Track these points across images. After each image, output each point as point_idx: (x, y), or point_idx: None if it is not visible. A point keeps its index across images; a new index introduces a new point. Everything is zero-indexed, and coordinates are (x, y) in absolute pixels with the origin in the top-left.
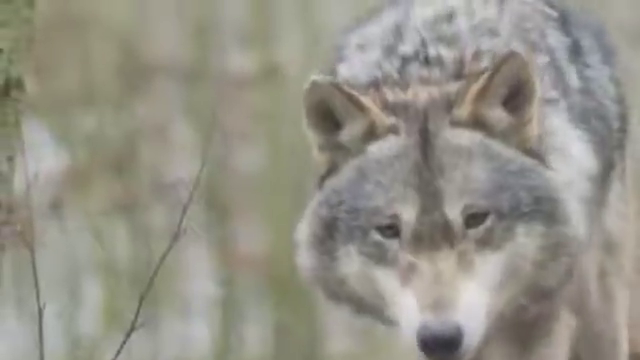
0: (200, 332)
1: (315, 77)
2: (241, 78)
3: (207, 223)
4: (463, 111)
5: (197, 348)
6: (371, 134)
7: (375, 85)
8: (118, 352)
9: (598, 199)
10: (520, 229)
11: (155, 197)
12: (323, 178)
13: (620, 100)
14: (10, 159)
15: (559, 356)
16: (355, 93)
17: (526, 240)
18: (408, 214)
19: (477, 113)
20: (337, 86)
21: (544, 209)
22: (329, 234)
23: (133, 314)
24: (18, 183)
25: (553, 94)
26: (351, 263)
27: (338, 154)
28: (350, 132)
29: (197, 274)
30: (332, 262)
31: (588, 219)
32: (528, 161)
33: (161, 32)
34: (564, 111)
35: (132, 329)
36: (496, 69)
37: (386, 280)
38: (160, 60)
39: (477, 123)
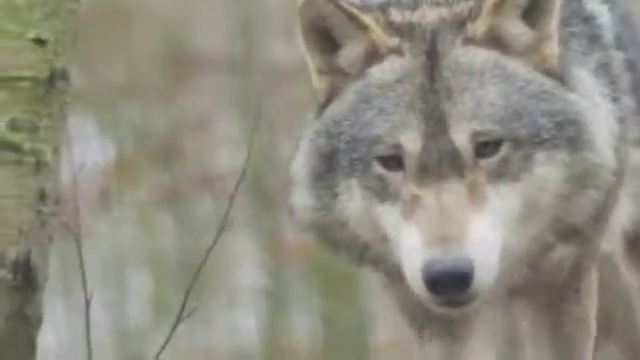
0: (247, 322)
1: None
2: (287, 69)
3: (253, 214)
4: (479, 26)
5: (244, 338)
6: (372, 56)
7: (383, 7)
8: (165, 343)
9: (628, 139)
10: (539, 158)
11: (201, 188)
12: (322, 106)
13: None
14: (56, 151)
15: (591, 311)
16: (355, 10)
17: (547, 170)
18: (411, 142)
19: (494, 27)
20: (335, 2)
21: (567, 135)
22: (328, 167)
23: (180, 305)
24: (64, 175)
25: (579, 50)
26: (353, 200)
27: (338, 78)
28: (350, 54)
29: (244, 265)
30: (332, 200)
31: (617, 153)
32: (549, 82)
33: (206, 23)
34: (592, 73)
35: (179, 320)
36: None
37: (389, 216)
38: (205, 51)
39: (493, 40)
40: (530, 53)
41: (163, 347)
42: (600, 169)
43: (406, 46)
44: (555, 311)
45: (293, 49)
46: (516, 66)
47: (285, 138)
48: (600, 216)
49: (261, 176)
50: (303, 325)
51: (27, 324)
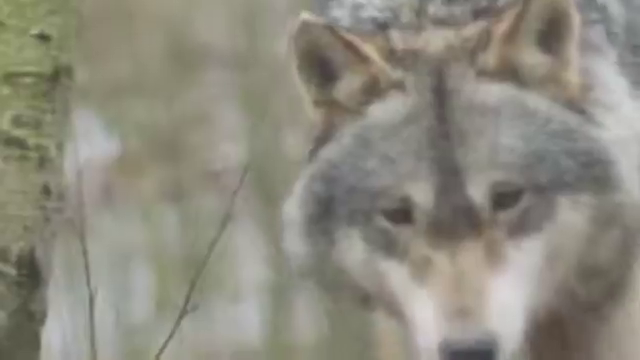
0: (251, 317)
1: (306, 16)
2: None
3: (257, 208)
4: (490, 56)
5: (248, 333)
6: (372, 91)
7: (383, 28)
8: (169, 337)
9: None
10: (563, 203)
11: (205, 183)
12: (318, 143)
13: None
14: (60, 146)
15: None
16: (354, 39)
17: (571, 215)
18: (422, 195)
19: (508, 57)
20: (332, 29)
21: (592, 175)
22: (326, 213)
23: (183, 300)
24: (68, 170)
25: (597, 40)
26: (353, 249)
27: (335, 112)
28: (347, 87)
29: (247, 259)
30: (329, 246)
31: None
32: (571, 118)
33: (210, 18)
34: (612, 63)
35: (182, 314)
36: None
37: (396, 275)
38: (209, 46)
39: (508, 71)
40: (549, 83)
41: (166, 342)
42: (627, 208)
43: (410, 80)
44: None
45: None
46: (535, 101)
47: (289, 132)
48: (629, 252)
49: (265, 170)
50: (307, 320)
51: (31, 319)
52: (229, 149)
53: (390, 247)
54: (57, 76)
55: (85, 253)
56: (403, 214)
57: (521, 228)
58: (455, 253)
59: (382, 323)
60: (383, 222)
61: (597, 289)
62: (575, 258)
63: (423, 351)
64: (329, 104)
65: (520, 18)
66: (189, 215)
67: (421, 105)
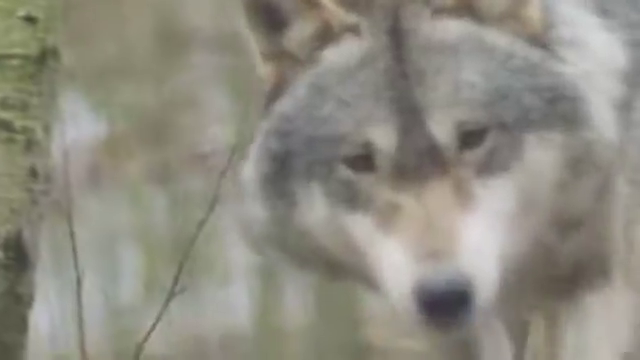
0: (240, 299)
1: None
2: None
3: None
4: None
5: (237, 315)
6: (326, 36)
7: None
8: (157, 319)
9: (631, 103)
10: (530, 141)
11: (193, 165)
12: (270, 99)
13: None
14: (46, 128)
15: (619, 325)
16: None
17: (539, 154)
18: (384, 138)
19: None
20: None
21: (559, 113)
22: (283, 173)
23: (172, 282)
24: (55, 152)
25: None
26: (314, 208)
27: (286, 64)
28: (299, 34)
29: (236, 242)
30: (289, 209)
31: (618, 125)
32: (534, 53)
33: (198, 1)
34: None
35: (170, 296)
36: None
37: (361, 227)
38: (197, 29)
39: (465, 7)
40: (508, 19)
41: (155, 324)
42: (599, 147)
43: (365, 23)
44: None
45: None
46: (495, 37)
47: None
48: (603, 199)
49: None
50: (296, 301)
51: (19, 302)
52: (217, 131)
53: (353, 198)
54: (43, 58)
55: (72, 235)
56: (365, 160)
57: (488, 167)
58: (421, 194)
59: (372, 302)
60: (344, 171)
61: (576, 247)
62: (548, 205)
63: (395, 298)
64: (279, 55)
65: None
66: (177, 197)
67: (377, 47)
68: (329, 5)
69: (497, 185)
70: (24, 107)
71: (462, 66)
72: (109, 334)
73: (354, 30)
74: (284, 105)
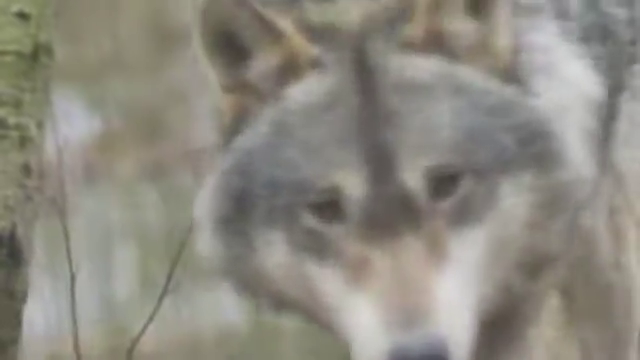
0: (234, 297)
1: None
2: None
3: None
4: (415, 27)
5: (230, 312)
6: (289, 71)
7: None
8: (151, 317)
9: (605, 131)
10: (505, 187)
11: (187, 162)
12: (229, 133)
13: (630, 3)
14: (40, 125)
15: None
16: (268, 12)
17: (513, 202)
18: (353, 184)
19: (434, 27)
20: (243, 2)
21: (533, 152)
22: (242, 212)
23: (165, 279)
24: (49, 149)
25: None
26: (275, 254)
27: (248, 97)
28: (261, 67)
29: None
30: (246, 249)
31: (592, 156)
32: (507, 90)
33: None
34: (551, 21)
35: (164, 293)
36: None
37: (327, 280)
38: (191, 26)
39: (435, 43)
40: (479, 53)
41: (149, 321)
42: (573, 187)
43: (329, 57)
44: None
45: None
46: (468, 74)
47: None
48: (574, 235)
49: None
50: None
51: (12, 298)
52: (210, 127)
53: (319, 248)
54: (37, 55)
55: (66, 232)
56: (332, 209)
57: (462, 218)
58: (394, 249)
59: None
60: (309, 220)
61: (543, 282)
62: (520, 249)
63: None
64: (240, 88)
65: None
66: (170, 194)
67: (343, 84)
68: (294, 37)
69: (471, 237)
70: (17, 104)
71: (435, 107)
72: (103, 331)
73: (318, 64)
74: (245, 141)
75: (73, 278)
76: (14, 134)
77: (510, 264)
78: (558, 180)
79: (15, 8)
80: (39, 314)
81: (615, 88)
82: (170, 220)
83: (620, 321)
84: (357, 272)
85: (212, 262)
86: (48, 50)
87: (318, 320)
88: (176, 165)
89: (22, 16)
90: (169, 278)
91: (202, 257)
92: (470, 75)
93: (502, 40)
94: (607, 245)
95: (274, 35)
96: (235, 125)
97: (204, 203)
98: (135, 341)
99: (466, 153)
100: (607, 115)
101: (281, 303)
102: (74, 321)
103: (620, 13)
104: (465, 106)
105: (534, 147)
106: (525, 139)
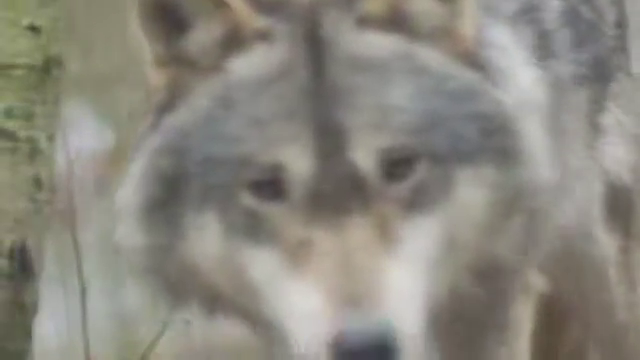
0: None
1: None
2: None
3: None
4: (376, 3)
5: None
6: (234, 42)
7: None
8: (162, 331)
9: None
10: (463, 177)
11: None
12: (161, 110)
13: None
14: (51, 138)
15: (521, 355)
16: None
17: (470, 193)
18: (298, 162)
19: (397, 4)
20: None
21: (495, 145)
22: (173, 197)
23: None
24: (60, 162)
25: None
26: (206, 240)
27: (184, 72)
28: (202, 38)
29: None
30: (175, 238)
31: (552, 158)
32: (471, 75)
33: None
34: (506, 24)
35: None
36: None
37: (264, 265)
38: None
39: (396, 20)
40: (443, 36)
41: (161, 333)
42: (532, 187)
43: (279, 29)
44: (476, 352)
45: None
46: (428, 55)
47: None
48: (533, 242)
49: None
50: None
51: (23, 312)
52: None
53: (256, 231)
54: (47, 67)
55: (76, 245)
56: (273, 187)
57: (415, 204)
58: (339, 230)
59: None
60: (248, 199)
61: (490, 295)
62: (471, 249)
63: (306, 350)
64: (176, 62)
65: None
66: None
67: (293, 57)
68: (239, 6)
69: (423, 224)
70: (28, 117)
71: (391, 87)
72: (115, 343)
73: (267, 37)
74: (179, 118)
75: (84, 291)
76: (25, 147)
77: (459, 263)
78: (519, 179)
79: (26, 21)
80: (50, 328)
81: (602, 81)
82: None
83: None
84: (297, 255)
85: (133, 258)
86: (59, 63)
87: (255, 319)
88: None
89: (33, 29)
90: None
91: (122, 253)
92: (431, 57)
93: (467, 26)
94: (618, 283)
95: (216, 5)
96: (168, 101)
97: (127, 192)
98: (146, 353)
99: (423, 137)
100: (591, 126)
101: (213, 302)
102: (85, 334)
103: (608, 13)
104: (424, 88)
105: (497, 141)
106: (488, 130)
